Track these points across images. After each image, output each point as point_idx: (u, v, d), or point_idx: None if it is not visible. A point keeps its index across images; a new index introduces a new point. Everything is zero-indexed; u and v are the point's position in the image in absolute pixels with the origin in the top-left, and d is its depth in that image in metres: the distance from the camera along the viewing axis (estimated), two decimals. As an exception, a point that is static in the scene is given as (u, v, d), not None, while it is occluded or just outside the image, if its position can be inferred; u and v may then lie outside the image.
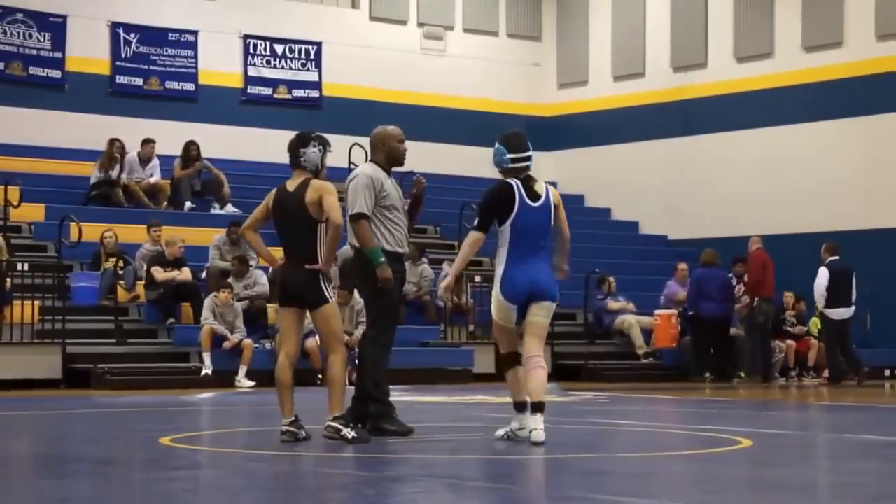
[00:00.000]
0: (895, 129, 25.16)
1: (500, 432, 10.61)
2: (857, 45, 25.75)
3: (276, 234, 10.44)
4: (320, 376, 18.07)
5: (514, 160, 10.23)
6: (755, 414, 15.33)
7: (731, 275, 23.93)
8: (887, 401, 18.64)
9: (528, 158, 10.29)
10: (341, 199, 10.41)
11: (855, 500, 7.61)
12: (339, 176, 22.28)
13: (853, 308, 22.02)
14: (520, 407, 10.32)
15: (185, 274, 20.35)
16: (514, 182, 10.19)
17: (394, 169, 11.14)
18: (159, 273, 20.17)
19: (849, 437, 11.80)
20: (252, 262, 20.51)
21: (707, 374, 22.31)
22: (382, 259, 10.67)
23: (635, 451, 10.54)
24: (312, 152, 10.36)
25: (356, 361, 11.92)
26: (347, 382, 10.76)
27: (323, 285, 10.19)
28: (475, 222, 10.23)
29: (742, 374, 22.54)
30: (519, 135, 10.39)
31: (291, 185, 10.32)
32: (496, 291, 10.22)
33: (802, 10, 26.42)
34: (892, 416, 15.76)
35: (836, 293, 21.73)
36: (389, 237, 10.86)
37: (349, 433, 10.08)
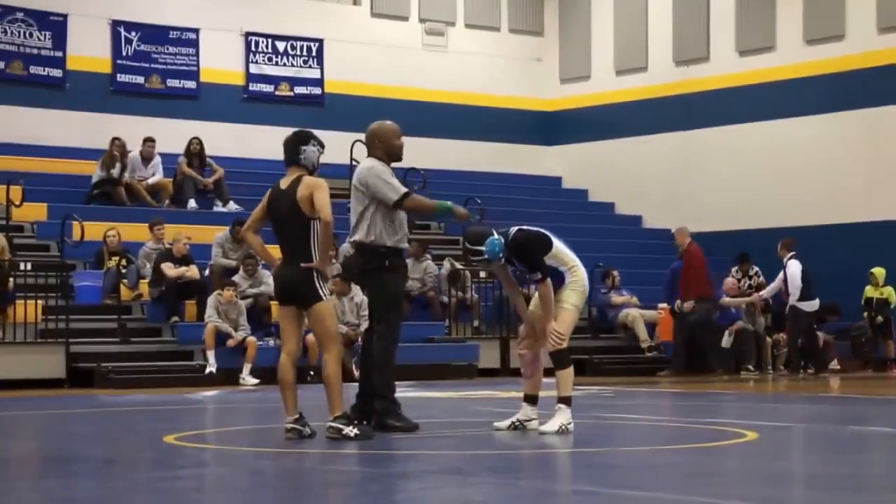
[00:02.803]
0: (897, 121, 25.19)
1: (504, 423, 10.77)
2: (859, 38, 25.72)
3: (273, 233, 10.41)
4: (312, 373, 18.01)
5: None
6: (760, 407, 15.32)
7: (734, 268, 24.00)
8: (892, 393, 18.59)
9: None
10: (334, 197, 10.37)
11: (861, 492, 7.59)
12: (341, 173, 22.36)
13: (817, 301, 22.18)
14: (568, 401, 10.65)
15: (193, 270, 20.34)
16: (521, 229, 10.71)
17: (395, 165, 11.12)
18: (170, 269, 20.14)
19: (855, 429, 11.78)
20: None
21: (719, 370, 22.34)
22: (450, 203, 11.06)
23: (640, 444, 10.54)
24: (312, 151, 10.33)
25: (357, 357, 11.90)
26: (355, 377, 10.73)
27: (318, 283, 10.13)
28: (538, 275, 10.51)
29: (750, 367, 22.57)
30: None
31: (285, 183, 10.28)
32: (583, 292, 10.69)
33: (804, 4, 26.40)
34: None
35: (805, 286, 21.83)
36: (392, 232, 10.84)
37: (351, 431, 10.04)
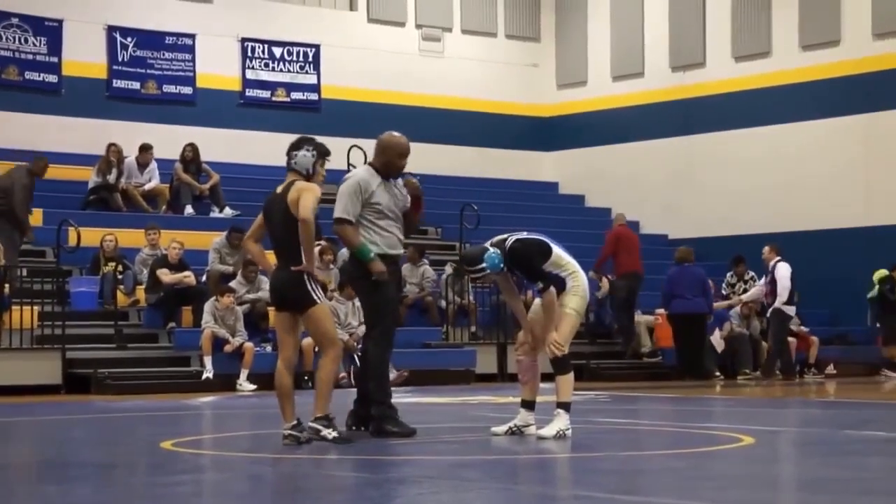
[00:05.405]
0: (893, 126, 25.18)
1: (502, 428, 10.78)
2: (854, 44, 25.77)
3: (269, 238, 10.44)
4: (306, 378, 17.99)
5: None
6: (757, 411, 15.33)
7: (729, 273, 24.02)
8: (887, 397, 18.60)
9: None
10: (330, 202, 10.37)
11: (858, 496, 7.59)
12: (337, 179, 22.34)
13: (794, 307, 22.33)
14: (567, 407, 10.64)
15: (190, 278, 20.32)
16: (519, 238, 10.62)
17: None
18: (166, 276, 20.12)
19: (851, 434, 11.78)
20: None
21: (717, 373, 22.33)
22: (372, 255, 10.70)
23: (637, 449, 10.53)
24: (303, 156, 10.34)
25: (355, 359, 11.89)
26: (353, 384, 10.72)
27: (310, 287, 10.11)
28: (540, 285, 10.52)
29: (747, 371, 22.60)
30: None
31: (279, 189, 10.33)
32: (584, 297, 10.63)
33: (800, 9, 26.44)
34: (892, 412, 15.73)
35: (791, 290, 21.91)
36: (380, 241, 10.84)
37: (329, 433, 10.06)
